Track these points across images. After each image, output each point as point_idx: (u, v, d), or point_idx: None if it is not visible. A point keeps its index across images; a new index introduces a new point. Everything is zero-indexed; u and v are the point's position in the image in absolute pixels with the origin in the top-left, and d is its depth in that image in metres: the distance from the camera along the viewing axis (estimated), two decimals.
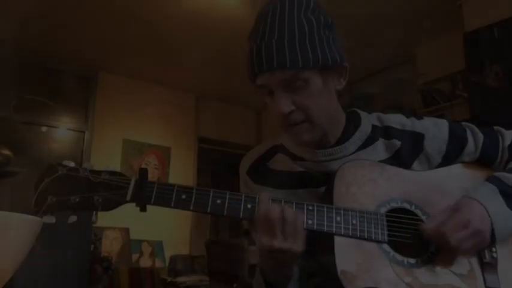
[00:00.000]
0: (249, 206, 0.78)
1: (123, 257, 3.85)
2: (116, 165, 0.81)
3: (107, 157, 4.03)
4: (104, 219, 3.36)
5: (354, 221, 0.80)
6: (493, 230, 0.80)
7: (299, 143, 0.89)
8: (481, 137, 0.93)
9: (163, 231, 4.14)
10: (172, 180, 4.43)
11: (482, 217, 0.80)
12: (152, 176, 4.31)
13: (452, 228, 0.79)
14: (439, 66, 3.38)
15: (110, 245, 3.82)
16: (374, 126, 0.94)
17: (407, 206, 0.84)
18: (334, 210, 0.80)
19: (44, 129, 3.98)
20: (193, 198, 0.78)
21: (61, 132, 4.08)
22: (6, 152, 1.65)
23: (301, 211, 0.79)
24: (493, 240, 0.81)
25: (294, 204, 0.80)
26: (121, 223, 3.85)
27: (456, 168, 0.91)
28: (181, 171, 4.54)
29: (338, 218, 0.79)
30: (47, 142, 3.99)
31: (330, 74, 0.85)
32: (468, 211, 0.80)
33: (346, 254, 0.78)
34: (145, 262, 3.98)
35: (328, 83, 0.85)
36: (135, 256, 3.95)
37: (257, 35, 0.84)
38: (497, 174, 0.89)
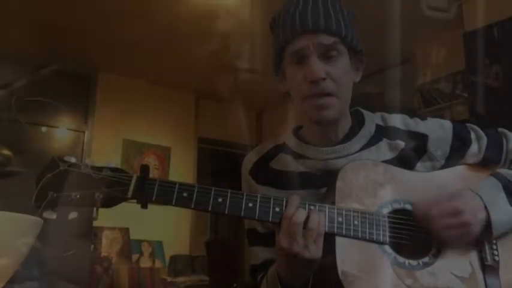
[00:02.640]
0: (250, 204, 0.78)
1: (123, 257, 3.85)
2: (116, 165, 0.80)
3: (107, 157, 4.01)
4: (103, 219, 3.36)
5: (356, 222, 0.79)
6: (490, 223, 0.80)
7: (320, 118, 0.86)
8: (485, 139, 0.92)
9: (163, 231, 4.13)
10: (172, 179, 4.41)
11: (476, 211, 0.80)
12: (152, 176, 4.29)
13: (440, 214, 0.79)
14: (439, 66, 3.37)
15: (109, 245, 3.82)
16: (378, 126, 0.94)
17: (409, 207, 0.84)
18: (335, 211, 0.80)
19: (44, 129, 3.97)
20: (194, 196, 0.78)
21: (61, 132, 4.07)
22: (6, 152, 1.65)
23: (303, 210, 0.78)
24: (489, 233, 0.81)
25: (317, 206, 0.80)
26: (121, 223, 3.84)
27: (459, 170, 0.91)
28: (181, 171, 4.53)
29: (340, 219, 0.79)
30: (47, 142, 3.98)
31: (353, 61, 0.87)
32: (463, 202, 0.80)
33: (347, 255, 0.78)
34: (145, 262, 3.97)
35: (352, 67, 0.87)
36: (135, 256, 3.94)
37: (288, 6, 0.86)
38: (503, 170, 0.88)
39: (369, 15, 3.10)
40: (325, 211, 0.79)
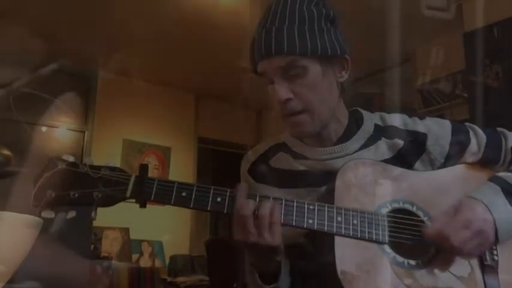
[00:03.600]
0: None
1: (123, 257, 3.85)
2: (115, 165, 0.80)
3: (107, 157, 4.01)
4: (103, 219, 3.36)
5: (355, 221, 0.80)
6: (496, 230, 0.80)
7: (297, 134, 0.90)
8: (483, 137, 0.92)
9: (163, 231, 4.13)
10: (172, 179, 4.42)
11: (485, 217, 0.80)
12: (152, 176, 4.31)
13: (454, 230, 0.78)
14: (439, 66, 3.37)
15: (110, 245, 3.82)
16: (376, 126, 0.94)
17: (409, 206, 0.84)
18: (335, 210, 0.80)
19: (44, 129, 3.97)
20: (193, 196, 0.78)
21: (61, 132, 4.07)
22: (6, 152, 1.64)
23: (302, 210, 0.79)
24: (496, 240, 0.81)
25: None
26: (121, 223, 3.85)
27: (459, 169, 0.91)
28: (181, 171, 4.53)
29: (339, 218, 0.79)
30: (47, 142, 3.98)
31: (330, 65, 0.86)
32: (470, 211, 0.80)
33: (347, 255, 0.78)
34: (145, 262, 3.97)
35: (328, 74, 0.86)
36: (135, 256, 3.95)
37: (259, 24, 0.86)
38: (501, 174, 0.88)
39: (369, 15, 3.10)
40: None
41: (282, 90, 0.82)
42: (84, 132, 4.10)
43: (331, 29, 0.85)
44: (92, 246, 3.40)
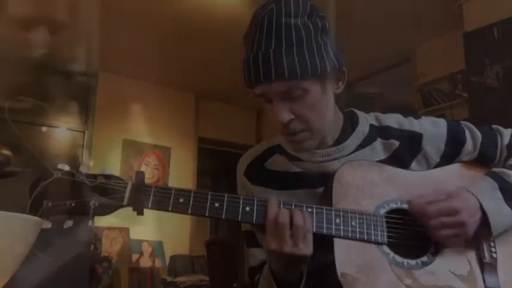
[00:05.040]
0: (247, 208, 0.78)
1: (123, 257, 3.85)
2: (116, 165, 0.80)
3: (107, 157, 4.02)
4: (103, 219, 3.36)
5: (354, 223, 0.79)
6: (489, 225, 0.81)
7: (299, 151, 0.90)
8: (479, 136, 0.93)
9: (163, 231, 4.14)
10: (172, 180, 4.43)
11: (473, 212, 0.80)
12: (152, 176, 4.31)
13: (437, 211, 0.79)
14: (439, 66, 3.37)
15: (110, 245, 3.82)
16: (372, 126, 0.94)
17: (406, 206, 0.84)
18: (333, 212, 0.80)
19: (44, 129, 3.97)
20: (190, 202, 0.77)
21: (61, 132, 4.07)
22: (6, 152, 1.64)
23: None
24: (490, 235, 0.82)
25: (293, 206, 0.79)
26: (121, 223, 3.85)
27: (455, 168, 0.91)
28: (181, 171, 4.53)
29: (337, 220, 0.79)
30: (47, 142, 3.98)
31: (328, 81, 0.84)
32: (460, 201, 0.81)
33: (346, 256, 0.78)
34: (145, 262, 3.98)
35: (327, 89, 0.85)
36: (135, 256, 3.95)
37: (253, 42, 0.82)
38: (497, 170, 0.88)
39: (369, 15, 3.10)
40: (313, 210, 0.79)
41: (284, 112, 0.81)
42: (84, 132, 4.10)
43: (327, 42, 0.83)
44: (92, 246, 3.41)
